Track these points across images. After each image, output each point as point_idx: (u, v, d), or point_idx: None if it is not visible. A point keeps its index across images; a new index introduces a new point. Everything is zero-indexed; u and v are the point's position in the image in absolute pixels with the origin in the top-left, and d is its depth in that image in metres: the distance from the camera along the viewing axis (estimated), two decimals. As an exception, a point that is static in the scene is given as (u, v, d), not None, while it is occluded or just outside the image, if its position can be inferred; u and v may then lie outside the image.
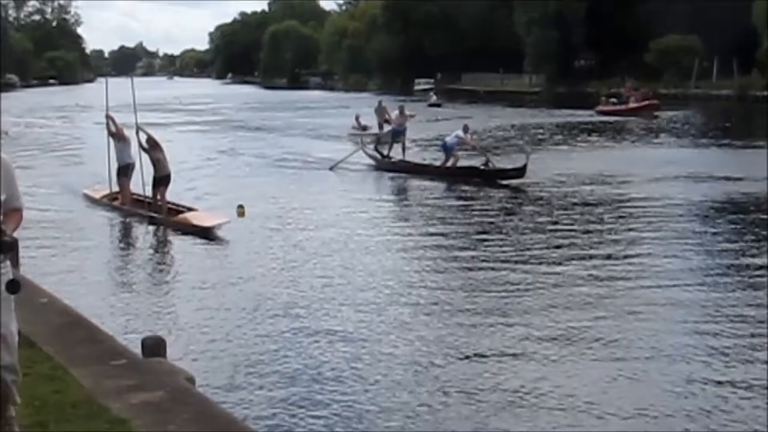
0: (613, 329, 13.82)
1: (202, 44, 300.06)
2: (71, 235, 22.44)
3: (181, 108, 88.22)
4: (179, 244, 21.78)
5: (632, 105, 65.99)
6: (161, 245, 22.35)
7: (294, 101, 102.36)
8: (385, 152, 37.40)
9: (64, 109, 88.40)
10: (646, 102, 66.52)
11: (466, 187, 30.80)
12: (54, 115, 79.35)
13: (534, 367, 12.31)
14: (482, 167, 32.41)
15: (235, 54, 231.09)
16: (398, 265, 18.89)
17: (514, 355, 12.71)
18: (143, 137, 24.12)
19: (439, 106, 71.84)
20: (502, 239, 22.20)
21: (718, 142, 45.29)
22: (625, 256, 19.54)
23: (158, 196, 23.34)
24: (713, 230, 23.23)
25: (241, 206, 24.92)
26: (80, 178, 31.88)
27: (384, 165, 36.30)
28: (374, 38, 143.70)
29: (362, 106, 75.91)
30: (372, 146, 38.51)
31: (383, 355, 12.84)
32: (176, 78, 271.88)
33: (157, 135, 23.86)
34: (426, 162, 36.48)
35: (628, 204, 26.75)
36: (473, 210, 27.13)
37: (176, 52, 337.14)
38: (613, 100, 69.83)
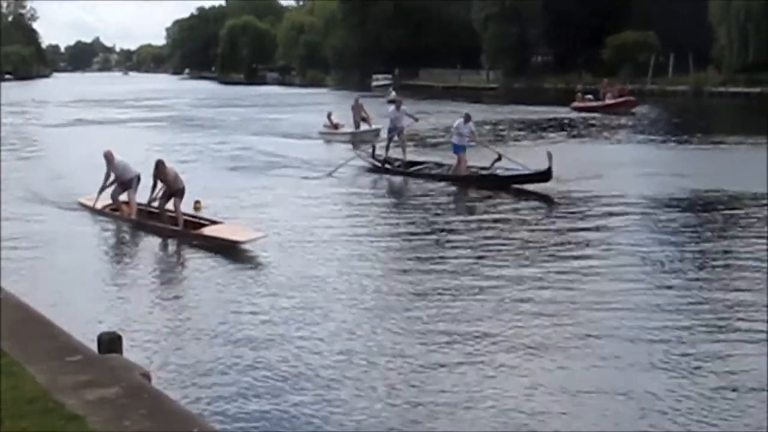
0: (564, 331, 13.92)
1: (160, 39, 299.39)
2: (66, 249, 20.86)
3: (137, 104, 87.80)
4: (158, 250, 21.01)
5: (609, 101, 65.50)
6: (140, 251, 21.13)
7: (252, 96, 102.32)
8: (384, 155, 34.81)
9: (20, 104, 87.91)
10: (623, 99, 65.93)
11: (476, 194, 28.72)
12: (9, 110, 78.76)
13: (483, 371, 12.40)
14: (495, 168, 29.94)
15: (193, 49, 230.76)
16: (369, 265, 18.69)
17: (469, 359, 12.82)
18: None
19: (399, 103, 71.61)
20: (458, 242, 22.00)
21: (675, 138, 45.49)
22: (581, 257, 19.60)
23: (167, 207, 21.69)
24: (667, 228, 23.08)
25: (197, 201, 24.77)
26: (61, 183, 30.45)
27: (382, 169, 34.00)
28: (331, 33, 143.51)
29: (321, 102, 76.13)
30: (368, 152, 35.86)
31: (338, 354, 12.92)
32: (132, 73, 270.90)
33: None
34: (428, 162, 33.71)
35: (592, 202, 26.46)
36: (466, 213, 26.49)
37: (133, 47, 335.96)
38: (589, 96, 69.31)
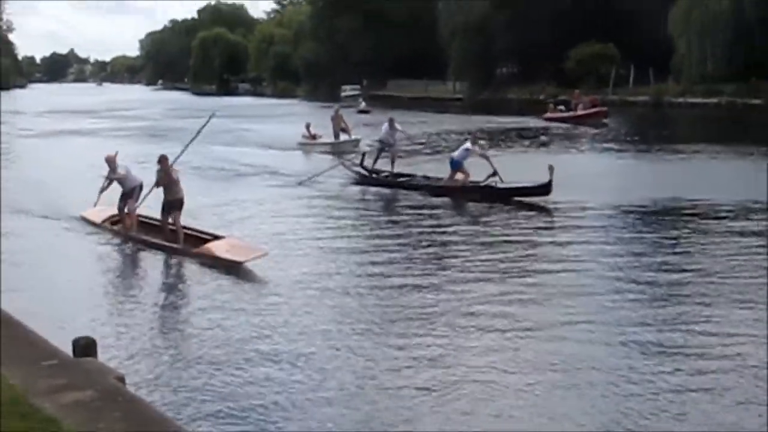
0: (528, 344, 13.97)
1: (133, 51, 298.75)
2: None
3: (111, 115, 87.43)
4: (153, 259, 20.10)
5: (580, 112, 65.14)
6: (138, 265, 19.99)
7: (224, 107, 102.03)
8: (371, 166, 33.95)
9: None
10: (595, 109, 65.54)
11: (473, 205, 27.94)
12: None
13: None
14: (491, 181, 28.63)
15: (165, 61, 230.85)
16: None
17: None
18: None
19: (368, 112, 71.13)
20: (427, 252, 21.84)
21: (638, 147, 45.72)
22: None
23: (167, 221, 20.45)
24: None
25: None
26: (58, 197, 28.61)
27: (371, 180, 32.89)
28: (301, 45, 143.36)
29: (293, 113, 75.98)
30: (355, 161, 35.03)
31: (304, 355, 12.95)
32: (106, 84, 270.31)
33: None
34: (416, 174, 32.62)
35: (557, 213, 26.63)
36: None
37: (107, 58, 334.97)
38: (561, 107, 69.00)
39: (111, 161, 22.26)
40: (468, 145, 29.68)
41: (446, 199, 28.77)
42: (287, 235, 22.73)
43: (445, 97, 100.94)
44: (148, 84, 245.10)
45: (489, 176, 28.49)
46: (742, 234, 22.08)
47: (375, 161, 34.06)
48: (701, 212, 25.25)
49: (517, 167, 30.55)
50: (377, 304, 15.75)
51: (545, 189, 26.61)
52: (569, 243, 21.73)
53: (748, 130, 53.64)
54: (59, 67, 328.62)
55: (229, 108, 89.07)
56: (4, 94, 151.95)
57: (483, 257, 20.15)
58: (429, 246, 21.43)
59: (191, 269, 18.69)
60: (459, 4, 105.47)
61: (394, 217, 26.03)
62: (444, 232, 23.52)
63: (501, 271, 18.59)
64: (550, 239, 22.74)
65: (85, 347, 8.83)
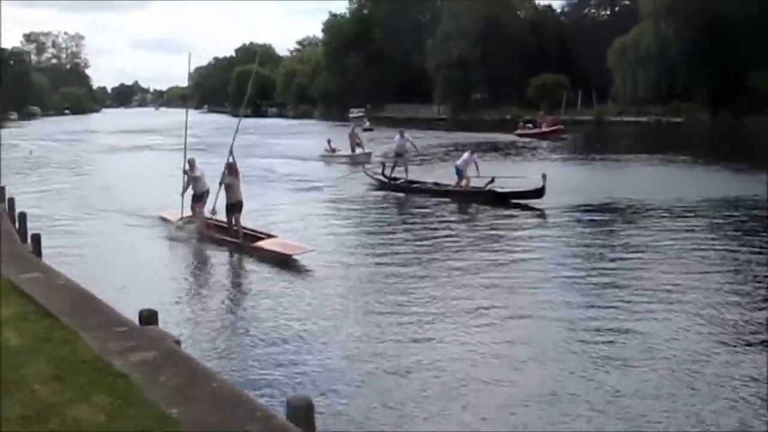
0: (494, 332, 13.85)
1: (184, 82, 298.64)
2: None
3: (168, 133, 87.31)
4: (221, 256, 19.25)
5: (544, 129, 64.52)
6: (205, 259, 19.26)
7: (257, 126, 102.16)
8: (389, 173, 32.81)
9: (75, 133, 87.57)
10: (556, 127, 65.20)
11: (474, 207, 26.79)
12: (68, 138, 78.30)
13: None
14: (491, 186, 27.71)
15: (210, 90, 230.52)
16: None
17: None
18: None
19: (371, 130, 70.71)
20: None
21: (584, 156, 45.68)
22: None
23: (233, 221, 19.60)
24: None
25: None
26: (138, 201, 27.66)
27: (390, 186, 31.77)
28: (317, 77, 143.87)
29: (311, 131, 75.74)
30: (377, 170, 33.95)
31: (332, 329, 12.82)
32: (163, 109, 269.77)
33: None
34: (427, 181, 31.21)
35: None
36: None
37: (164, 88, 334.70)
38: (529, 125, 68.08)
39: (192, 163, 21.67)
40: (466, 155, 29.09)
41: (453, 202, 27.83)
42: (323, 229, 22.49)
43: (432, 118, 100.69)
44: (195, 108, 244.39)
45: (488, 182, 27.78)
46: (670, 225, 21.99)
47: (392, 170, 33.07)
48: (636, 208, 25.16)
49: (493, 171, 30.05)
50: (396, 290, 15.16)
51: (539, 193, 25.94)
52: (539, 236, 21.55)
53: (671, 142, 53.62)
54: (126, 96, 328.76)
55: (261, 127, 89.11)
56: (82, 117, 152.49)
57: (478, 248, 19.97)
58: (434, 239, 20.90)
59: (249, 261, 18.20)
60: (442, 44, 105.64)
61: (408, 217, 25.33)
62: (448, 228, 22.84)
63: (493, 261, 18.47)
64: (528, 233, 22.35)
65: (149, 317, 8.77)
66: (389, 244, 20.20)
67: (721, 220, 23.10)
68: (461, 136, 65.38)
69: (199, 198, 20.95)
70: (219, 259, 18.76)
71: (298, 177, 36.44)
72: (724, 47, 70.59)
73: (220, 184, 19.96)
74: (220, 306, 14.56)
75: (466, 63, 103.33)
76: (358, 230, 22.96)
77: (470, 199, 27.62)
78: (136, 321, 8.75)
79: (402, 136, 33.99)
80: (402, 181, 31.91)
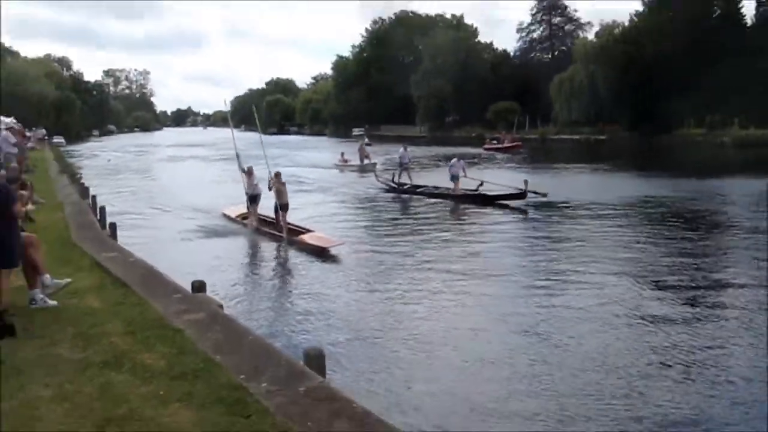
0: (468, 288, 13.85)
1: (226, 107, 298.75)
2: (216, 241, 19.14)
3: (212, 146, 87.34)
4: (270, 249, 18.21)
5: (507, 144, 64.09)
6: (261, 250, 18.26)
7: (281, 141, 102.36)
8: (396, 179, 31.63)
9: (143, 146, 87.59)
10: (515, 143, 64.97)
11: (467, 206, 25.70)
12: (137, 149, 78.21)
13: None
14: (481, 189, 26.88)
15: (246, 113, 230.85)
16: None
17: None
18: (270, 177, 19.63)
19: (370, 145, 70.54)
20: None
21: (536, 166, 45.71)
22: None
23: (280, 219, 18.98)
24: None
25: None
26: (197, 199, 27.22)
27: (397, 189, 30.60)
28: (328, 104, 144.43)
29: (324, 146, 75.52)
30: (383, 177, 32.84)
31: (354, 301, 12.86)
32: (209, 128, 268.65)
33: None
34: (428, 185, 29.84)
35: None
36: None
37: (210, 112, 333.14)
38: (495, 141, 67.40)
39: (251, 170, 20.74)
40: (455, 161, 28.45)
41: (449, 202, 27.02)
42: (347, 223, 22.16)
43: (415, 135, 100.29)
44: (236, 128, 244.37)
45: (478, 186, 27.00)
46: (599, 218, 22.11)
47: (399, 176, 32.02)
48: (572, 206, 25.15)
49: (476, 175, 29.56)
50: (402, 277, 15.01)
51: (522, 195, 25.15)
52: (509, 228, 21.50)
53: (598, 156, 53.74)
54: (181, 117, 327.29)
55: (284, 143, 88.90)
56: (147, 134, 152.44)
57: (462, 239, 20.01)
58: (431, 231, 20.21)
59: (289, 250, 17.50)
60: (423, 80, 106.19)
61: (412, 213, 24.56)
62: (444, 222, 22.46)
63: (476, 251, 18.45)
64: (500, 227, 21.72)
65: (199, 286, 8.76)
66: (398, 234, 19.88)
67: (634, 214, 23.32)
68: (439, 149, 65.38)
69: (253, 199, 20.48)
70: (264, 247, 18.30)
71: (321, 182, 35.73)
72: (639, 82, 71.31)
73: (269, 189, 19.61)
74: (257, 281, 14.48)
75: (441, 94, 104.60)
76: (374, 224, 22.46)
77: (463, 200, 26.70)
78: (189, 290, 8.76)
79: (405, 149, 33.15)
80: (407, 185, 30.76)
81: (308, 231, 18.28)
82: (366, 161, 44.63)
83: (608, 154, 53.73)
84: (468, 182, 27.67)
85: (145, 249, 13.53)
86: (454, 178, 27.64)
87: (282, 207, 19.00)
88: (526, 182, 25.39)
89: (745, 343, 9.82)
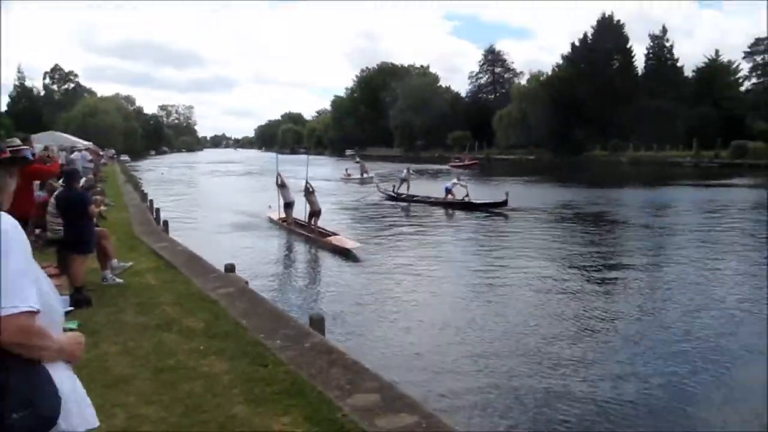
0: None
1: (251, 134, 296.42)
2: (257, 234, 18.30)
3: (240, 162, 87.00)
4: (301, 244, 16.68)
5: (467, 162, 62.49)
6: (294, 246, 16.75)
7: (292, 159, 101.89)
8: (398, 191, 29.10)
9: (188, 162, 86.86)
10: (474, 162, 63.52)
11: (458, 212, 23.45)
12: (184, 165, 77.47)
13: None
14: (467, 200, 24.72)
15: (266, 138, 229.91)
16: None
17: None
18: (306, 187, 18.13)
19: (359, 163, 69.76)
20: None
21: (485, 180, 45.72)
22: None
23: (312, 223, 17.49)
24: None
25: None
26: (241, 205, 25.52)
27: (397, 198, 28.21)
28: (328, 131, 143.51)
29: (326, 164, 75.04)
30: (383, 187, 30.95)
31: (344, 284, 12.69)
32: (239, 149, 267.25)
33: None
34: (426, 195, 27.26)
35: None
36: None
37: (240, 137, 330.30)
38: (457, 160, 65.98)
39: (284, 183, 19.13)
40: (454, 179, 26.73)
41: (441, 209, 24.59)
42: (357, 225, 21.05)
43: (392, 155, 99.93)
44: (259, 149, 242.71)
45: (465, 196, 24.97)
46: (532, 218, 22.14)
47: (399, 188, 29.30)
48: (516, 208, 24.33)
49: (433, 188, 29.07)
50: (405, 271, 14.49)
51: (504, 203, 23.30)
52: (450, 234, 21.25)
53: (529, 171, 53.92)
54: (218, 141, 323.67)
55: (293, 160, 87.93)
56: (192, 154, 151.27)
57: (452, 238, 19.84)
58: (424, 234, 18.71)
59: (316, 248, 15.84)
60: (398, 113, 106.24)
61: (411, 219, 22.44)
62: (431, 225, 20.66)
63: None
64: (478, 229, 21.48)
65: (230, 268, 8.74)
66: (397, 234, 19.11)
67: (556, 214, 23.36)
68: (413, 166, 64.84)
69: (288, 206, 18.83)
70: (294, 244, 17.12)
71: (331, 192, 33.32)
72: (559, 116, 71.51)
73: (305, 197, 18.00)
74: (278, 265, 14.13)
75: (411, 124, 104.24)
76: (377, 226, 20.73)
77: (452, 207, 24.64)
78: (223, 270, 8.74)
79: (408, 170, 30.89)
80: (405, 195, 28.40)
81: (334, 233, 16.63)
82: (365, 175, 43.27)
83: (537, 170, 53.92)
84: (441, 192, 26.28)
85: (189, 240, 13.45)
86: (448, 190, 25.56)
87: (314, 213, 17.61)
88: (507, 194, 23.68)
89: (631, 308, 9.92)
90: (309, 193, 17.90)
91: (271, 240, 17.77)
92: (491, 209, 23.55)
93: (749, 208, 24.24)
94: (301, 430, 3.84)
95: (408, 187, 29.38)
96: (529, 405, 6.26)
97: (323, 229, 17.38)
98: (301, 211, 18.53)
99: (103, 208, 14.34)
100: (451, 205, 24.94)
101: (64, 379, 1.88)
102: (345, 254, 14.55)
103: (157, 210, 17.87)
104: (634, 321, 9.23)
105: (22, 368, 1.75)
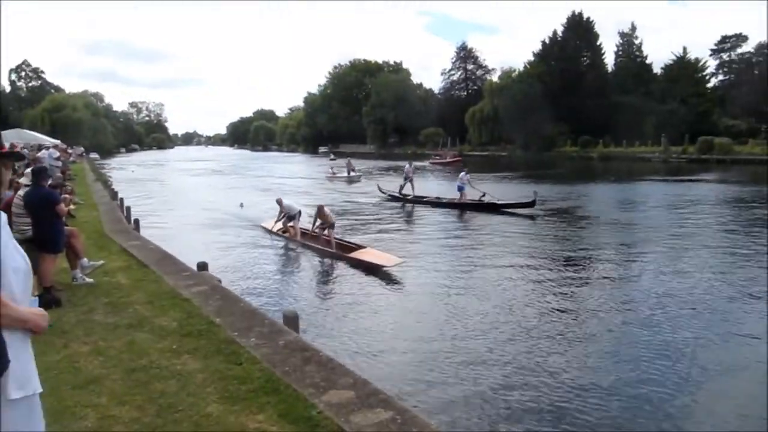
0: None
1: (223, 131, 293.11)
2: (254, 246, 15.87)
3: (212, 161, 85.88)
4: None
5: (448, 159, 61.86)
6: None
7: (265, 156, 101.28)
8: (401, 191, 27.00)
9: (159, 160, 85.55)
10: (456, 158, 62.80)
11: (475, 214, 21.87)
12: (155, 163, 76.29)
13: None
14: (484, 200, 22.94)
15: (238, 135, 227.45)
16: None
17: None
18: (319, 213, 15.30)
19: (334, 160, 69.50)
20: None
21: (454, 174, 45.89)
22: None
23: (327, 234, 14.70)
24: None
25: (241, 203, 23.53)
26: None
27: (402, 199, 26.14)
28: (301, 128, 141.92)
29: (299, 161, 74.46)
30: (388, 189, 28.37)
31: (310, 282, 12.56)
32: (210, 147, 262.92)
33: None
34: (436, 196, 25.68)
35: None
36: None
37: (211, 134, 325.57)
38: (438, 157, 65.08)
39: (280, 203, 17.30)
40: (462, 174, 24.26)
41: (453, 210, 22.99)
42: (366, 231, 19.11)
43: (365, 152, 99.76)
44: (230, 146, 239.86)
45: (481, 196, 23.09)
46: (509, 212, 22.33)
47: (402, 188, 27.06)
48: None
49: (422, 186, 28.00)
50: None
51: (531, 204, 21.51)
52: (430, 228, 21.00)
53: (501, 167, 54.21)
54: (189, 138, 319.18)
55: (267, 157, 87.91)
56: (162, 151, 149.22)
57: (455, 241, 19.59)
58: (430, 234, 17.63)
59: (341, 266, 13.18)
60: (371, 110, 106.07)
61: (415, 219, 21.67)
62: (445, 229, 18.80)
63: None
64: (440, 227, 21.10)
65: (203, 266, 8.67)
66: (402, 238, 17.21)
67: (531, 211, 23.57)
68: (386, 163, 65.20)
69: (291, 218, 16.64)
70: (275, 243, 16.00)
71: (312, 193, 30.74)
72: (530, 112, 71.90)
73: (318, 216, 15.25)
74: (251, 264, 13.80)
75: (384, 121, 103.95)
76: (385, 227, 19.05)
77: (466, 208, 22.87)
78: (195, 269, 8.65)
79: (410, 165, 29.18)
80: (410, 195, 26.30)
81: (360, 246, 13.99)
82: (352, 173, 41.30)
83: (509, 166, 54.31)
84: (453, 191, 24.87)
85: (161, 239, 13.27)
86: (461, 188, 23.75)
87: (330, 226, 14.89)
88: (535, 193, 22.10)
89: (597, 295, 10.16)
90: (323, 210, 15.24)
91: (235, 235, 17.40)
92: (517, 209, 21.75)
93: (715, 203, 24.74)
94: (276, 427, 3.84)
95: (413, 188, 27.08)
96: (504, 401, 6.33)
97: (345, 241, 14.89)
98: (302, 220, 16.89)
99: (72, 206, 14.09)
100: (465, 207, 22.94)
101: (18, 344, 1.99)
102: (375, 271, 12.22)
103: (128, 208, 17.59)
104: (598, 315, 9.40)
105: None
